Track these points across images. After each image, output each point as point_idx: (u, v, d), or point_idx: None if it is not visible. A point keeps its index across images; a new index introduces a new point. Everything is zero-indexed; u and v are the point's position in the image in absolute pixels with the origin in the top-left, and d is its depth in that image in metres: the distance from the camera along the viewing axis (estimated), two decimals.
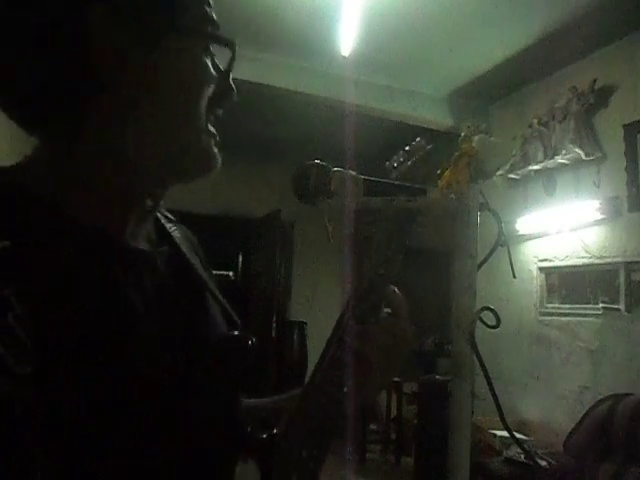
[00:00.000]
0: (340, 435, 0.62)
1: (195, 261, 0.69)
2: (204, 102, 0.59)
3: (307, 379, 0.64)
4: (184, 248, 0.68)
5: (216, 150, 0.62)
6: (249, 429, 0.64)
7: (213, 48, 0.61)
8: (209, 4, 0.61)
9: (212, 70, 0.60)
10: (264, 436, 0.62)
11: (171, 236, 0.68)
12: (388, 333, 0.65)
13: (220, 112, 0.63)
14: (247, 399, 0.72)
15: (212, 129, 0.61)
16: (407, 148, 0.75)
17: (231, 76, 0.63)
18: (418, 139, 0.75)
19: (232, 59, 0.63)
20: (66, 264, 0.49)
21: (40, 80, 0.54)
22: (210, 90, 0.59)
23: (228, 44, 0.62)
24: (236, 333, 0.65)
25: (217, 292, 0.69)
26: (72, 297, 0.48)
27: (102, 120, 0.56)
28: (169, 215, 0.72)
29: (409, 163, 0.74)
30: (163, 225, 0.69)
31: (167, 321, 0.58)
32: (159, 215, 0.69)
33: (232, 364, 0.63)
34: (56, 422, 0.44)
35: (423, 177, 0.75)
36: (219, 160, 0.62)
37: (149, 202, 0.62)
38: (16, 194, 0.51)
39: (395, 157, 0.76)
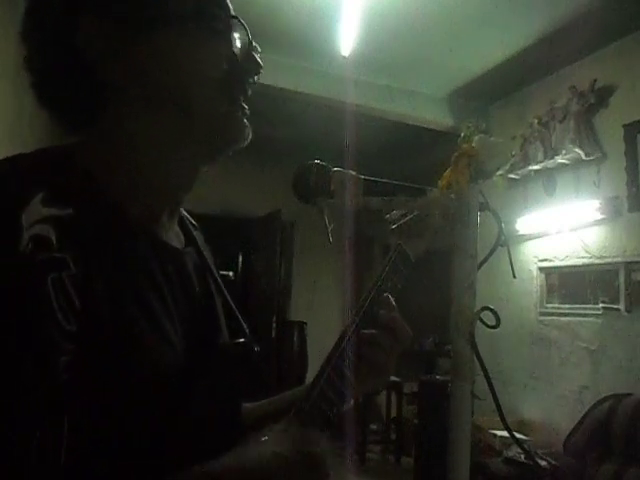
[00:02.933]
0: (335, 438, 0.63)
1: (214, 268, 0.73)
2: (215, 82, 0.61)
3: (307, 380, 0.64)
4: (206, 254, 0.73)
5: (244, 122, 0.64)
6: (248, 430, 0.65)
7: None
8: None
9: (222, 52, 0.62)
10: (262, 439, 0.63)
11: (196, 240, 0.72)
12: (390, 335, 0.68)
13: (249, 88, 0.65)
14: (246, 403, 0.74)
15: (241, 104, 0.64)
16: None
17: (253, 51, 0.65)
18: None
19: (246, 35, 0.65)
20: (108, 243, 0.54)
21: (59, 88, 0.61)
22: (221, 70, 0.61)
23: (230, 25, 0.63)
24: (242, 340, 0.68)
25: (230, 299, 0.73)
26: (113, 276, 0.52)
27: (118, 116, 0.60)
28: (192, 220, 0.76)
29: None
30: (189, 228, 0.73)
31: (185, 312, 0.61)
32: (184, 218, 0.73)
33: (236, 369, 0.66)
34: (85, 385, 0.47)
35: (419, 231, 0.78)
36: (247, 132, 0.64)
37: (181, 193, 0.66)
38: (72, 172, 0.55)
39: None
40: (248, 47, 0.65)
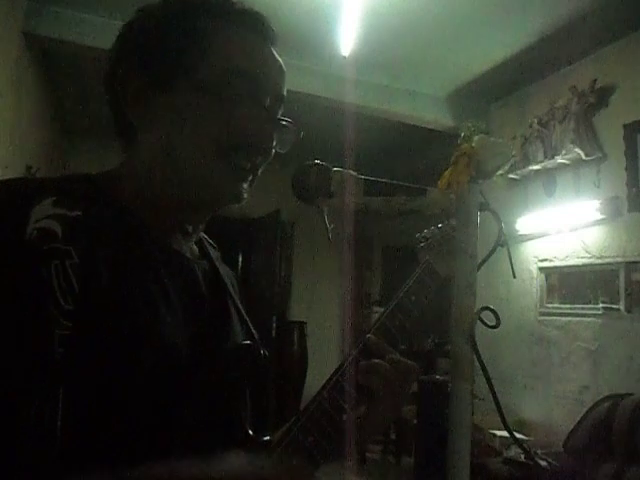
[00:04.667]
0: (333, 456, 0.65)
1: (228, 282, 0.78)
2: (214, 147, 0.66)
3: (306, 383, 0.65)
4: (221, 270, 0.77)
5: (239, 189, 0.69)
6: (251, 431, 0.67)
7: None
8: (249, 57, 0.68)
9: (231, 120, 0.66)
10: (264, 439, 0.65)
11: (211, 256, 0.78)
12: (395, 370, 0.69)
13: (250, 165, 0.69)
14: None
15: (244, 170, 0.69)
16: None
17: (268, 134, 0.69)
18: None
19: (264, 109, 0.69)
20: (116, 244, 0.59)
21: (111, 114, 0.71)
22: (224, 138, 0.66)
23: (253, 95, 0.67)
24: (248, 342, 0.70)
25: (244, 312, 0.77)
26: (116, 274, 0.57)
27: (145, 147, 0.69)
28: (211, 241, 0.82)
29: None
30: (207, 247, 0.79)
31: (191, 316, 0.65)
32: (204, 240, 0.79)
33: (241, 371, 0.67)
34: (80, 362, 0.51)
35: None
36: (239, 197, 0.69)
37: (188, 227, 0.72)
38: (91, 187, 0.63)
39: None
40: (265, 120, 0.68)
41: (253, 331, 0.76)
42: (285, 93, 0.73)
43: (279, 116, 0.72)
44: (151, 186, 0.68)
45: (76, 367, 0.51)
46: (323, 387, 0.65)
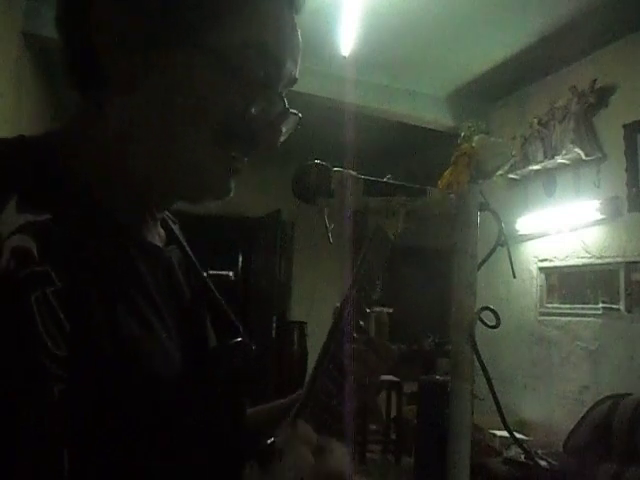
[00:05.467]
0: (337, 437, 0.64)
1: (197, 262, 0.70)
2: (211, 130, 0.54)
3: (306, 380, 0.66)
4: (188, 249, 0.70)
5: (225, 181, 0.58)
6: (253, 433, 0.66)
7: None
8: (273, 30, 0.57)
9: (237, 104, 0.54)
10: (267, 441, 0.63)
11: (178, 238, 0.69)
12: (375, 354, 0.69)
13: (243, 157, 0.59)
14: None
15: (235, 161, 0.58)
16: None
17: (279, 129, 0.59)
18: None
19: (282, 101, 0.58)
20: (94, 249, 0.49)
21: (69, 56, 0.57)
22: (221, 121, 0.54)
23: (265, 86, 0.56)
24: (237, 340, 0.65)
25: (218, 296, 0.70)
26: (99, 284, 0.47)
27: (119, 112, 0.54)
28: (171, 216, 0.72)
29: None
30: (171, 227, 0.69)
31: (177, 317, 0.59)
32: (165, 216, 0.68)
33: (233, 370, 0.64)
34: (82, 413, 0.43)
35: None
36: (225, 190, 0.59)
37: (158, 213, 0.62)
38: (51, 167, 0.50)
39: None
40: (280, 112, 0.58)
41: (232, 317, 0.69)
42: (297, 74, 0.63)
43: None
44: (123, 164, 0.54)
45: (79, 423, 0.43)
46: (314, 375, 0.64)
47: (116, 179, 0.55)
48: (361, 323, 0.69)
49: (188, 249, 0.70)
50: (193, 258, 0.69)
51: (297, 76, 0.62)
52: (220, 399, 0.61)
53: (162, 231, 0.66)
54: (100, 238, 0.50)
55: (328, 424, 0.62)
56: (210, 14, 0.53)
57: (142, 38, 0.52)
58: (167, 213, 0.69)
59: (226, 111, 0.54)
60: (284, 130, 0.61)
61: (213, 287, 0.69)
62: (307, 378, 0.67)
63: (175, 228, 0.70)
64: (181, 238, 0.70)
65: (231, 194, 0.60)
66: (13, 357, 0.40)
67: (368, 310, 0.71)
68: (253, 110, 0.55)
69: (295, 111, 0.61)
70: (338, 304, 0.68)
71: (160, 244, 0.63)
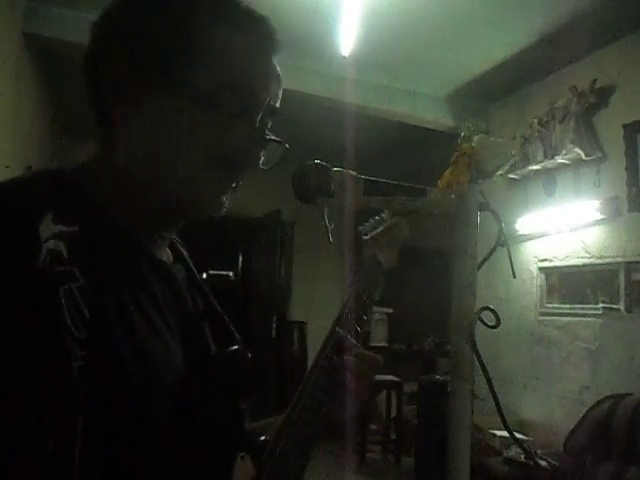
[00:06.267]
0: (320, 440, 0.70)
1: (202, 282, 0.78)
2: (199, 158, 0.63)
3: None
4: (194, 270, 0.77)
5: (220, 199, 0.66)
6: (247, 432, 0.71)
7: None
8: (249, 71, 0.64)
9: (221, 137, 0.63)
10: (260, 439, 0.69)
11: (183, 255, 0.77)
12: (362, 363, 0.74)
13: (233, 179, 0.66)
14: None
15: (226, 185, 0.66)
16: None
17: (257, 154, 0.66)
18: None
19: (255, 129, 0.65)
20: (111, 257, 0.58)
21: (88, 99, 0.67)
22: (212, 154, 0.63)
23: (244, 111, 0.63)
24: (235, 348, 0.71)
25: (219, 309, 0.77)
26: (114, 285, 0.56)
27: (123, 146, 0.64)
28: (179, 240, 0.80)
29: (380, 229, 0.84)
30: (178, 248, 0.77)
31: (180, 324, 0.65)
32: (173, 239, 0.77)
33: (231, 376, 0.69)
34: (95, 388, 0.51)
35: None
36: (219, 207, 0.66)
37: (165, 232, 0.70)
38: (78, 192, 0.60)
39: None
40: (255, 140, 0.65)
41: (232, 329, 0.77)
42: (279, 105, 0.70)
43: (268, 128, 0.69)
44: (130, 190, 0.64)
45: (93, 396, 0.50)
46: (304, 384, 0.70)
47: (127, 202, 0.64)
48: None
49: (194, 269, 0.78)
50: (197, 276, 0.77)
51: (278, 106, 0.69)
52: (217, 400, 0.66)
53: (169, 252, 0.74)
54: (116, 250, 0.60)
55: (314, 426, 0.67)
56: (193, 60, 0.62)
57: (136, 86, 0.62)
58: (175, 237, 0.77)
59: (207, 142, 0.63)
60: (264, 156, 0.68)
61: (215, 302, 0.77)
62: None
63: (182, 250, 0.79)
64: (187, 259, 0.78)
65: (223, 210, 0.67)
66: (43, 335, 0.49)
67: (359, 329, 0.78)
68: (229, 140, 0.63)
69: (279, 139, 0.69)
70: (337, 329, 0.76)
71: (167, 261, 0.71)
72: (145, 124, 0.63)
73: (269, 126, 0.69)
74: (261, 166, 0.68)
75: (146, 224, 0.66)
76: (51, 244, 0.51)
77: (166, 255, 0.72)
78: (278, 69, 0.68)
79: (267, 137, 0.68)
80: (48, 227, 0.52)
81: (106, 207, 0.61)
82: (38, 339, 0.49)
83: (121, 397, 0.53)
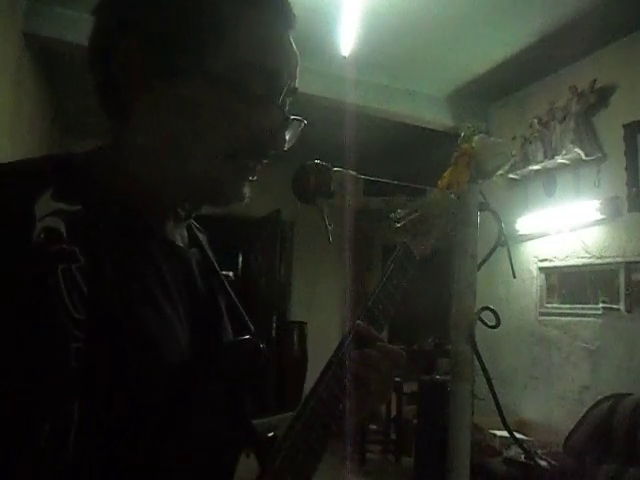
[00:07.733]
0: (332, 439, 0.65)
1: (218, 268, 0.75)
2: (221, 144, 0.61)
3: (306, 383, 0.66)
4: (211, 256, 0.75)
5: (239, 188, 0.64)
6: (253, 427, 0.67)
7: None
8: (269, 50, 0.62)
9: (242, 120, 0.61)
10: (268, 435, 0.65)
11: (200, 241, 0.75)
12: (386, 358, 0.69)
13: (255, 165, 0.65)
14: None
15: (249, 171, 0.64)
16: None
17: (282, 138, 0.65)
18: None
19: (282, 111, 0.64)
20: (116, 237, 0.56)
21: (96, 87, 0.65)
22: (234, 139, 0.61)
23: (268, 93, 0.62)
24: (247, 337, 0.67)
25: (235, 299, 0.74)
26: (117, 265, 0.54)
27: (141, 132, 0.62)
28: (198, 226, 0.78)
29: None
30: (195, 233, 0.76)
31: (189, 309, 0.63)
32: (192, 224, 0.75)
33: (242, 366, 0.65)
34: (93, 370, 0.49)
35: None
36: (239, 196, 0.65)
37: (181, 212, 0.68)
38: (87, 172, 0.58)
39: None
40: (282, 121, 0.64)
41: (246, 319, 0.74)
42: (297, 84, 0.68)
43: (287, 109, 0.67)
44: (147, 175, 0.62)
45: (90, 378, 0.49)
46: (320, 379, 0.65)
47: (141, 187, 0.62)
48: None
49: (210, 254, 0.75)
50: (214, 262, 0.74)
51: (297, 86, 0.68)
52: (221, 390, 0.63)
53: (185, 234, 0.72)
54: (122, 229, 0.58)
55: (327, 425, 0.62)
56: (209, 40, 0.59)
57: (154, 70, 0.60)
58: (194, 223, 0.76)
59: (231, 127, 0.61)
60: (287, 137, 0.66)
61: (231, 290, 0.74)
62: (306, 379, 0.67)
63: (201, 236, 0.77)
64: (204, 244, 0.76)
65: (246, 199, 0.66)
66: (40, 316, 0.48)
67: (383, 323, 0.73)
68: (255, 123, 0.61)
69: (298, 117, 0.67)
70: (358, 320, 0.70)
71: (181, 244, 0.69)
72: (167, 110, 0.61)
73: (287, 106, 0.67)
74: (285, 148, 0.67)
75: (159, 205, 0.64)
76: (47, 221, 0.50)
77: (180, 237, 0.70)
78: (295, 47, 0.67)
79: (290, 116, 0.66)
80: (46, 205, 0.50)
81: (114, 188, 0.59)
82: (32, 318, 0.48)
83: (120, 381, 0.52)
